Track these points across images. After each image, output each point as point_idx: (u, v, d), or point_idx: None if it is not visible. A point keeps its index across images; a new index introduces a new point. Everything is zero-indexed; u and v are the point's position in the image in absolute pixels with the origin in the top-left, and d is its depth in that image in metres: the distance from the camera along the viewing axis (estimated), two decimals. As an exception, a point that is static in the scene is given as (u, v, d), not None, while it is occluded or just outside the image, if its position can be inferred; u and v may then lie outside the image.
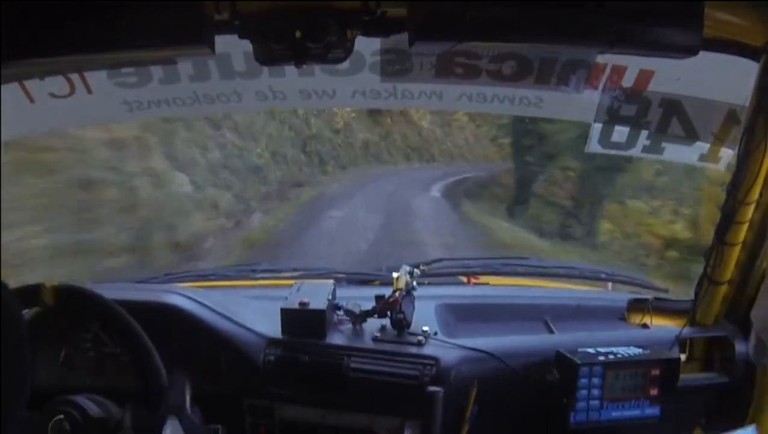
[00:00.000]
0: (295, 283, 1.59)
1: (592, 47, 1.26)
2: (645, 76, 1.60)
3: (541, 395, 1.43)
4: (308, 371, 1.43)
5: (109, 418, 1.17)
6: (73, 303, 1.20)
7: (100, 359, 1.46)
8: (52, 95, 1.62)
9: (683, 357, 1.52)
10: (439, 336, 1.48)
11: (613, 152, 1.80)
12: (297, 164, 12.81)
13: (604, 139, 1.74)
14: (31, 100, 1.61)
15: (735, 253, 1.45)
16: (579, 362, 1.38)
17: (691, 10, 1.06)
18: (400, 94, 1.73)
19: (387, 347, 1.46)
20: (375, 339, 1.48)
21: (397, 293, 1.48)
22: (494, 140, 21.23)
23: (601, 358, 1.40)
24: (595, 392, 1.39)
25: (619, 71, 1.60)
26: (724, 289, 1.50)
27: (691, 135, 1.67)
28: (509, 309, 1.69)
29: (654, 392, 1.41)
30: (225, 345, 1.46)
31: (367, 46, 1.57)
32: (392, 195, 12.91)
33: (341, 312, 1.52)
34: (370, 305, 1.50)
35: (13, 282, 1.06)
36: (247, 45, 1.14)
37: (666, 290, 1.89)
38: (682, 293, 1.93)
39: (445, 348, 1.44)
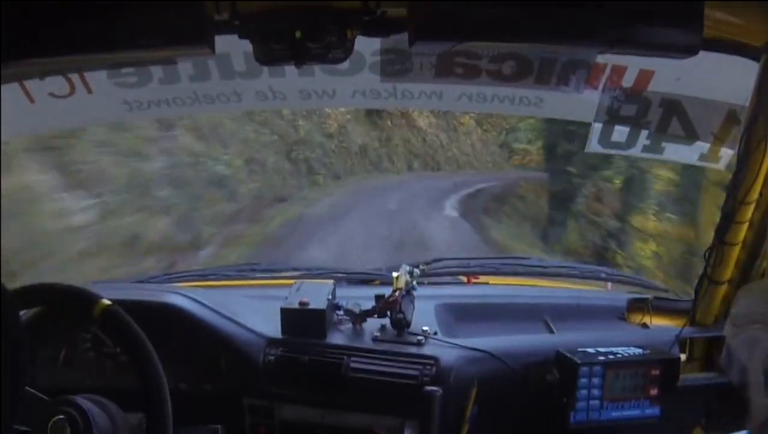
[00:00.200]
0: (295, 283, 1.59)
1: (592, 47, 1.26)
2: (645, 76, 1.60)
3: (541, 395, 1.43)
4: (308, 371, 1.43)
5: (110, 419, 1.17)
6: (112, 326, 1.20)
7: (100, 359, 1.46)
8: (52, 95, 1.62)
9: (683, 357, 1.52)
10: (439, 335, 1.48)
11: (613, 151, 1.80)
12: (279, 173, 10.64)
13: (604, 139, 1.74)
14: (31, 100, 1.61)
15: (735, 253, 1.45)
16: (579, 362, 1.38)
17: (691, 10, 1.06)
18: (400, 94, 1.73)
19: (387, 347, 1.46)
20: (375, 339, 1.47)
21: (396, 293, 1.48)
22: (503, 146, 20.27)
23: (601, 358, 1.40)
24: (595, 392, 1.39)
25: (619, 71, 1.60)
26: (724, 289, 1.50)
27: (691, 135, 1.68)
28: (509, 309, 1.69)
29: (654, 392, 1.41)
30: (225, 345, 1.46)
31: (367, 46, 1.57)
32: (398, 215, 10.34)
33: (341, 312, 1.52)
34: (370, 304, 1.50)
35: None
36: (247, 45, 1.14)
37: (666, 290, 1.89)
38: (682, 293, 1.93)
39: (445, 348, 1.44)
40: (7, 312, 0.89)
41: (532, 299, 1.76)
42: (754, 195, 1.38)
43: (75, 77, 1.59)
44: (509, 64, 1.62)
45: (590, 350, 1.42)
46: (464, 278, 1.95)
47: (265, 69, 1.65)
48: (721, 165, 1.68)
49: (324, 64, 1.43)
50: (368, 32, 1.16)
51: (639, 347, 1.44)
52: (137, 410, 1.21)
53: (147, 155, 6.43)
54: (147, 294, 1.55)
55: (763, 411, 0.56)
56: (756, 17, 1.22)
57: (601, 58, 1.58)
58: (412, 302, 1.51)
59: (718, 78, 1.50)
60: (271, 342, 1.47)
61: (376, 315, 1.49)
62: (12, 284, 1.10)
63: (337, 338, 1.49)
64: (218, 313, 1.50)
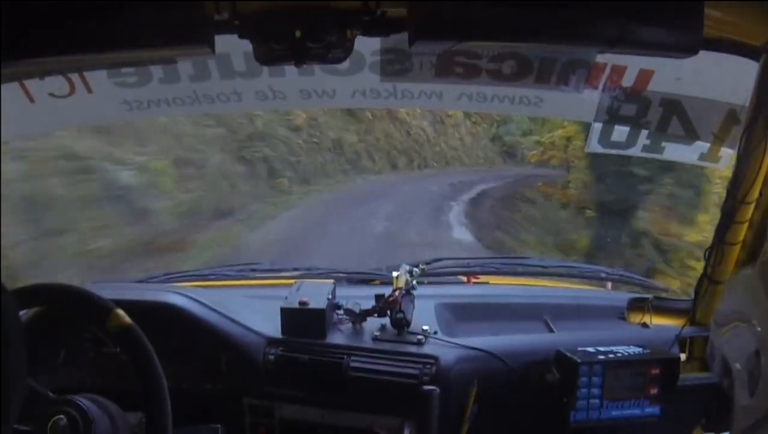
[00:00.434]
0: (295, 282, 1.59)
1: (592, 47, 1.26)
2: (645, 75, 1.60)
3: (541, 394, 1.43)
4: (308, 370, 1.43)
5: (110, 419, 1.17)
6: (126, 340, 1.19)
7: (100, 359, 1.46)
8: (52, 95, 1.62)
9: (683, 356, 1.52)
10: (439, 335, 1.48)
11: (613, 151, 1.80)
12: (227, 178, 8.29)
13: (604, 138, 1.74)
14: (31, 100, 1.61)
15: (735, 252, 1.45)
16: (579, 361, 1.38)
17: (691, 10, 1.06)
18: (400, 94, 1.73)
19: (387, 346, 1.46)
20: (375, 339, 1.48)
21: (396, 293, 1.48)
22: (495, 140, 18.95)
23: (601, 357, 1.40)
24: (595, 391, 1.39)
25: (619, 71, 1.60)
26: (723, 289, 1.50)
27: (691, 135, 1.68)
28: (509, 308, 1.69)
29: (654, 391, 1.41)
30: (225, 345, 1.46)
31: (367, 46, 1.57)
32: (388, 243, 7.23)
33: (341, 312, 1.52)
34: (369, 304, 1.50)
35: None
36: (247, 45, 1.14)
37: (666, 290, 1.89)
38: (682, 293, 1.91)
39: (445, 347, 1.45)
40: (6, 312, 0.89)
41: (532, 299, 1.76)
42: (754, 195, 1.38)
43: (75, 77, 1.59)
44: (509, 63, 1.62)
45: (590, 349, 1.42)
46: (464, 278, 1.95)
47: (265, 69, 1.65)
48: (721, 165, 1.68)
49: (324, 64, 1.43)
50: (368, 32, 1.16)
51: (639, 346, 1.44)
52: (137, 410, 1.21)
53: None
54: (147, 294, 1.55)
55: (748, 413, 0.54)
56: (756, 17, 1.22)
57: (601, 58, 1.58)
58: (412, 301, 1.51)
59: (718, 78, 1.50)
60: (271, 341, 1.47)
61: (376, 315, 1.49)
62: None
63: (337, 337, 1.49)
64: (218, 313, 1.50)
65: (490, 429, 1.44)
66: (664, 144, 1.73)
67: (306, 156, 11.21)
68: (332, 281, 1.60)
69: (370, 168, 13.77)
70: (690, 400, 1.48)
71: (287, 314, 1.47)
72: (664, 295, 1.77)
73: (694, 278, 1.54)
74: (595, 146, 1.75)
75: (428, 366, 1.39)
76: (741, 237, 1.43)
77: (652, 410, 1.42)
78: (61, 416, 1.11)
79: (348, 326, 1.52)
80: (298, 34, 1.08)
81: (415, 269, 1.56)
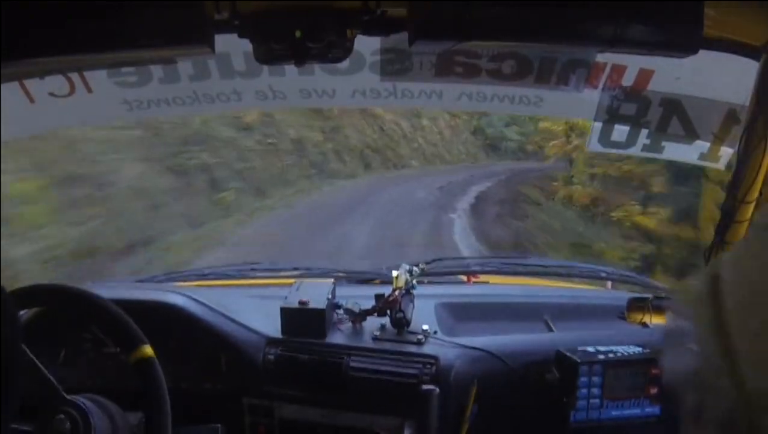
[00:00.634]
0: (295, 282, 1.59)
1: (592, 46, 1.26)
2: (645, 75, 1.60)
3: (541, 394, 1.43)
4: (308, 370, 1.43)
5: (110, 419, 1.17)
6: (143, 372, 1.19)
7: (100, 359, 1.46)
8: (52, 95, 1.62)
9: (683, 356, 1.52)
10: (439, 334, 1.48)
11: (612, 151, 1.80)
12: (148, 196, 6.22)
13: (604, 138, 1.74)
14: (31, 100, 1.61)
15: (735, 252, 1.45)
16: (579, 360, 1.38)
17: (691, 9, 1.06)
18: (400, 94, 1.73)
19: (387, 346, 1.46)
20: (375, 338, 1.48)
21: (396, 292, 1.48)
22: (476, 133, 17.61)
23: (601, 357, 1.40)
24: (595, 391, 1.39)
25: (619, 70, 1.60)
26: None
27: (691, 134, 1.68)
28: (509, 308, 1.69)
29: (654, 391, 1.41)
30: (224, 345, 1.46)
31: (367, 45, 1.57)
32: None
33: (341, 311, 1.52)
34: (369, 304, 1.50)
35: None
36: (247, 45, 1.14)
37: (666, 290, 1.89)
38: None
39: (445, 347, 1.45)
40: (5, 311, 0.89)
41: (532, 299, 1.76)
42: (754, 194, 1.38)
43: (75, 77, 1.59)
44: (509, 63, 1.62)
45: (590, 349, 1.42)
46: (464, 278, 1.95)
47: (265, 68, 1.65)
48: (720, 164, 1.68)
49: (324, 63, 1.43)
50: (368, 32, 1.16)
51: (639, 346, 1.44)
52: (137, 410, 1.21)
53: None
54: (147, 294, 1.55)
55: None
56: (756, 16, 1.22)
57: (601, 58, 1.58)
58: (412, 301, 1.51)
59: (718, 77, 1.50)
60: (271, 341, 1.47)
61: (375, 314, 1.49)
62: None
63: (337, 337, 1.49)
64: (218, 312, 1.50)
65: (490, 428, 1.44)
66: (664, 144, 1.73)
67: (260, 161, 9.11)
68: (332, 280, 1.60)
69: (339, 171, 11.78)
70: None
71: (287, 314, 1.47)
72: (664, 295, 1.76)
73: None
74: (595, 146, 1.75)
75: (428, 366, 1.39)
76: (741, 237, 1.43)
77: (652, 410, 1.42)
78: (61, 416, 1.11)
79: (348, 325, 1.52)
80: (298, 33, 1.08)
81: (414, 268, 1.56)
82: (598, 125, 1.71)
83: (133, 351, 1.17)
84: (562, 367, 1.41)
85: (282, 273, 1.88)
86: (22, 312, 1.32)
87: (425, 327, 1.48)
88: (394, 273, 1.52)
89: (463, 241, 8.04)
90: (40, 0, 1.02)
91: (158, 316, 1.43)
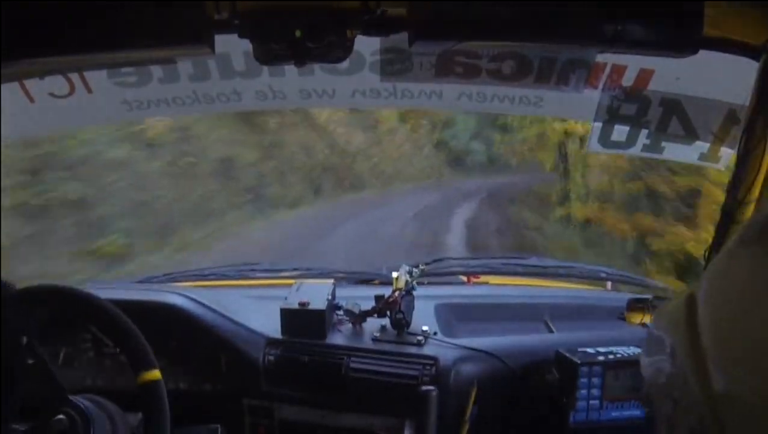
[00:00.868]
0: (295, 283, 1.59)
1: (592, 46, 1.26)
2: (645, 75, 1.60)
3: (540, 395, 1.43)
4: (308, 371, 1.43)
5: (109, 419, 1.17)
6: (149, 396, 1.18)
7: (100, 359, 1.46)
8: (52, 95, 1.62)
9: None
10: (439, 335, 1.48)
11: (612, 151, 1.80)
12: None
13: (604, 138, 1.74)
14: (31, 100, 1.61)
15: (735, 252, 1.44)
16: (579, 361, 1.38)
17: (690, 9, 1.06)
18: (399, 94, 1.73)
19: (387, 347, 1.46)
20: (375, 339, 1.47)
21: (396, 293, 1.48)
22: (439, 146, 15.60)
23: (601, 358, 1.40)
24: (595, 392, 1.39)
25: (619, 70, 1.60)
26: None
27: (690, 134, 1.67)
28: (509, 309, 1.69)
29: (654, 391, 1.41)
30: (224, 345, 1.46)
31: (367, 45, 1.57)
32: None
33: (341, 312, 1.52)
34: (369, 305, 1.50)
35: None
36: (247, 45, 1.14)
37: (666, 290, 1.89)
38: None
39: (445, 348, 1.44)
40: (11, 310, 0.89)
41: (532, 299, 1.76)
42: (754, 194, 1.38)
43: (75, 77, 1.59)
44: (509, 63, 1.62)
45: (590, 350, 1.42)
46: (464, 278, 1.95)
47: (265, 69, 1.65)
48: (720, 165, 1.68)
49: (324, 63, 1.43)
50: (368, 32, 1.16)
51: (639, 347, 1.44)
52: (136, 410, 1.21)
53: None
54: (147, 294, 1.55)
55: None
56: (756, 16, 1.21)
57: (600, 58, 1.58)
58: (412, 302, 1.51)
59: (718, 78, 1.50)
60: (271, 342, 1.47)
61: (375, 315, 1.49)
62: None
63: (336, 338, 1.49)
64: (218, 313, 1.50)
65: (490, 429, 1.44)
66: (664, 144, 1.73)
67: (170, 190, 6.73)
68: (332, 281, 1.60)
69: (281, 197, 9.22)
70: None
71: (287, 314, 1.47)
72: (664, 295, 1.76)
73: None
74: (595, 146, 1.75)
75: (428, 367, 1.39)
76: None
77: (652, 410, 1.41)
78: (61, 416, 1.11)
79: (348, 326, 1.52)
80: (298, 33, 1.08)
81: (414, 269, 1.56)
82: (598, 125, 1.71)
83: (143, 372, 1.16)
84: (562, 368, 1.41)
85: (282, 274, 1.88)
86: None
87: (425, 327, 1.48)
88: (394, 274, 1.52)
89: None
90: (40, 0, 1.02)
91: (158, 317, 1.43)
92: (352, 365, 1.42)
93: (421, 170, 14.76)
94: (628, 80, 1.61)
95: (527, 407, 1.45)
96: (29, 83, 1.58)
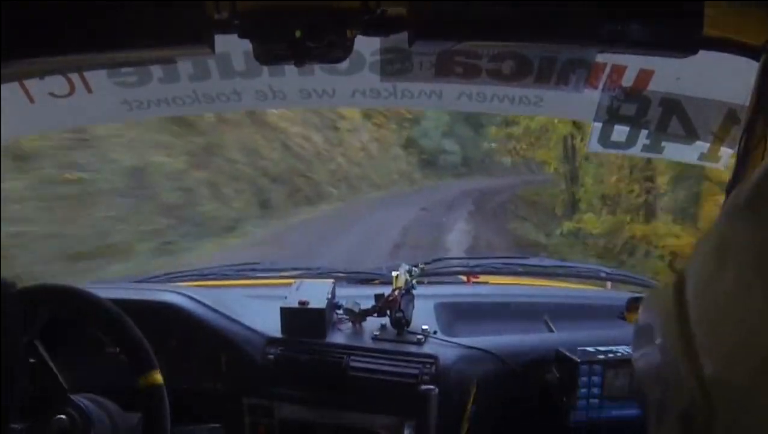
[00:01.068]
0: (295, 282, 1.59)
1: (592, 46, 1.26)
2: (645, 75, 1.60)
3: (540, 394, 1.43)
4: (308, 370, 1.43)
5: (110, 418, 1.17)
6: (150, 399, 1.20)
7: (100, 359, 1.46)
8: (52, 95, 1.62)
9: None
10: (439, 334, 1.48)
11: (612, 151, 1.80)
12: None
13: (604, 138, 1.74)
14: (31, 100, 1.61)
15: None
16: (579, 360, 1.38)
17: (690, 9, 1.06)
18: (400, 94, 1.74)
19: (387, 346, 1.46)
20: (375, 338, 1.48)
21: (396, 292, 1.48)
22: (408, 146, 13.98)
23: (601, 357, 1.40)
24: (595, 391, 1.39)
25: (618, 71, 1.60)
26: None
27: (690, 134, 1.68)
28: (509, 308, 1.69)
29: (654, 391, 1.41)
30: (224, 344, 1.46)
31: (366, 45, 1.57)
32: None
33: (341, 311, 1.53)
34: (369, 304, 1.50)
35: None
36: (247, 44, 1.14)
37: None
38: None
39: (445, 347, 1.45)
40: (11, 310, 0.89)
41: (531, 299, 1.76)
42: (754, 194, 1.38)
43: (75, 77, 1.59)
44: (509, 63, 1.62)
45: (590, 349, 1.42)
46: (464, 278, 1.95)
47: (265, 68, 1.65)
48: (720, 164, 1.68)
49: (324, 63, 1.43)
50: (368, 32, 1.16)
51: None
52: (136, 410, 1.21)
53: None
54: (147, 294, 1.55)
55: None
56: (756, 16, 1.21)
57: (600, 58, 1.58)
58: (412, 301, 1.51)
59: (718, 78, 1.50)
60: (271, 341, 1.47)
61: (375, 314, 1.49)
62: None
63: (336, 337, 1.49)
64: (218, 312, 1.50)
65: (490, 428, 1.44)
66: (663, 144, 1.73)
67: (41, 220, 4.87)
68: (332, 280, 1.60)
69: (216, 218, 7.00)
70: None
71: (287, 313, 1.47)
72: (663, 295, 1.76)
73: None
74: (595, 146, 1.75)
75: (428, 366, 1.39)
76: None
77: (652, 410, 1.42)
78: (61, 416, 1.11)
79: (348, 325, 1.52)
80: (298, 33, 1.08)
81: (414, 268, 1.56)
82: (598, 125, 1.71)
83: (144, 375, 1.17)
84: (562, 367, 1.41)
85: (282, 273, 1.88)
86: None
87: (425, 326, 1.48)
88: (394, 273, 1.53)
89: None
90: (40, 0, 1.02)
91: (158, 316, 1.44)
92: (352, 364, 1.42)
93: (388, 174, 12.77)
94: (628, 80, 1.61)
95: (527, 406, 1.45)
96: (29, 83, 1.58)
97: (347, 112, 11.83)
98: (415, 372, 1.39)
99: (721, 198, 1.45)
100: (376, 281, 1.80)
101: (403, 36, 1.10)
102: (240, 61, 1.62)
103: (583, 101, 1.68)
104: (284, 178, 9.19)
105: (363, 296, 1.54)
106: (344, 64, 1.55)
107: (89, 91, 1.63)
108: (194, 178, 7.14)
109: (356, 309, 1.51)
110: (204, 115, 7.20)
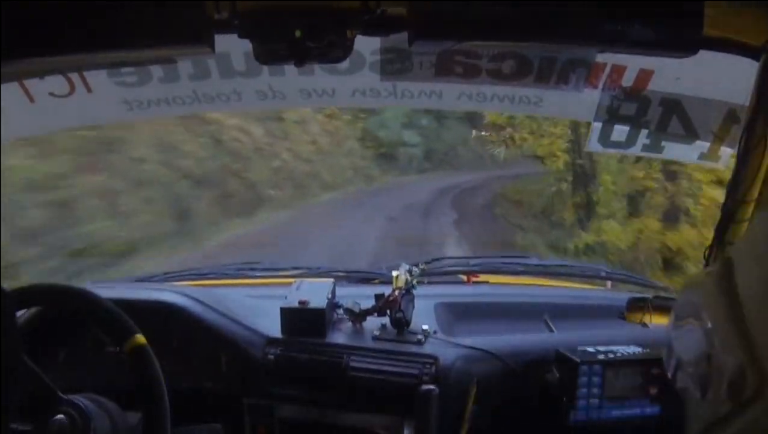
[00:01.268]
0: (295, 282, 1.59)
1: (592, 46, 1.26)
2: (644, 75, 1.60)
3: (540, 394, 1.43)
4: (308, 370, 1.43)
5: (109, 418, 1.17)
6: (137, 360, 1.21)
7: (100, 359, 1.46)
8: (52, 95, 1.62)
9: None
10: (439, 334, 1.48)
11: (612, 151, 1.80)
12: None
13: (604, 138, 1.75)
14: (31, 100, 1.61)
15: (734, 252, 1.44)
16: (579, 360, 1.38)
17: (690, 9, 1.06)
18: (399, 93, 1.74)
19: (387, 346, 1.46)
20: (375, 338, 1.48)
21: (396, 292, 1.48)
22: (365, 139, 12.26)
23: (601, 357, 1.40)
24: (595, 391, 1.39)
25: (618, 70, 1.60)
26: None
27: (690, 134, 1.68)
28: (509, 308, 1.69)
29: (654, 391, 1.41)
30: (224, 344, 1.46)
31: (367, 45, 1.57)
32: None
33: (341, 311, 1.53)
34: (369, 303, 1.50)
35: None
36: (247, 44, 1.14)
37: (666, 289, 1.89)
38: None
39: (445, 347, 1.45)
40: (5, 311, 0.89)
41: (531, 299, 1.76)
42: (754, 194, 1.38)
43: (75, 77, 1.59)
44: (509, 63, 1.62)
45: (590, 349, 1.42)
46: (464, 277, 1.95)
47: (265, 68, 1.65)
48: (720, 164, 1.68)
49: (324, 63, 1.43)
50: (368, 32, 1.16)
51: (639, 346, 1.44)
52: (137, 410, 1.21)
53: None
54: (147, 293, 1.55)
55: (699, 416, 0.53)
56: (756, 16, 1.22)
57: (600, 58, 1.58)
58: (412, 301, 1.51)
59: (718, 77, 1.50)
60: (271, 341, 1.47)
61: (375, 314, 1.49)
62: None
63: (336, 337, 1.49)
64: (218, 312, 1.50)
65: (490, 428, 1.44)
66: (663, 143, 1.73)
67: None
68: (332, 280, 1.60)
69: (101, 241, 5.31)
70: None
71: (287, 313, 1.47)
72: (664, 294, 1.76)
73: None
74: (595, 146, 1.76)
75: (428, 366, 1.39)
76: (741, 237, 1.43)
77: (652, 410, 1.42)
78: (61, 416, 1.11)
79: (348, 325, 1.52)
80: (298, 33, 1.08)
81: (414, 268, 1.56)
82: (598, 124, 1.71)
83: (126, 341, 1.18)
84: (562, 367, 1.41)
85: (282, 273, 1.88)
86: (21, 312, 1.32)
87: (425, 326, 1.48)
88: (394, 273, 1.52)
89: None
90: (40, 0, 1.02)
91: (158, 316, 1.43)
92: (352, 364, 1.42)
93: (341, 170, 10.92)
94: (628, 80, 1.62)
95: (527, 406, 1.45)
96: (29, 83, 1.58)
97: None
98: (415, 372, 1.39)
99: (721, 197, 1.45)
100: (376, 281, 1.80)
101: (403, 36, 1.10)
102: (240, 61, 1.62)
103: (583, 101, 1.68)
104: (212, 180, 7.37)
105: (363, 296, 1.54)
106: (344, 64, 1.55)
107: (89, 91, 1.63)
108: (80, 185, 5.38)
109: (356, 309, 1.50)
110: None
